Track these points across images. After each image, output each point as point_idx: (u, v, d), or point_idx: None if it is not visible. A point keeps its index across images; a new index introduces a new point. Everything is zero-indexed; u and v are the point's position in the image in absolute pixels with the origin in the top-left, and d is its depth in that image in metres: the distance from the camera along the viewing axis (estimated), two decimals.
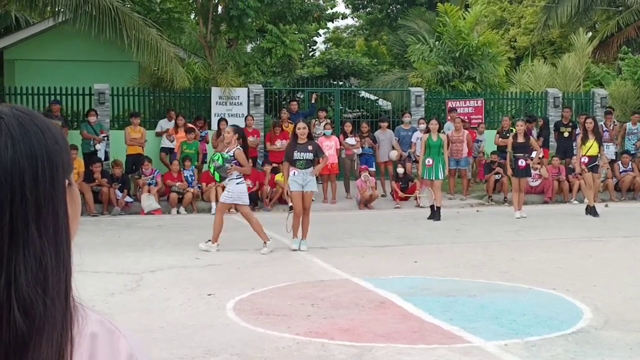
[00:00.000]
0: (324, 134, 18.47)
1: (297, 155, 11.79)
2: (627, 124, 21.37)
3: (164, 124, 19.10)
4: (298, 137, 11.93)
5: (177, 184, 17.08)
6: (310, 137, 12.27)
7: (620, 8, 31.99)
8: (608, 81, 26.47)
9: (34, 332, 1.10)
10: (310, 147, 11.88)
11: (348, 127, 19.23)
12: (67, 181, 1.20)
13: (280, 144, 18.44)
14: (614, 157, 20.05)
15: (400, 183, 18.36)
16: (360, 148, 18.91)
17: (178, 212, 16.84)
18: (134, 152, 18.16)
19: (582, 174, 16.75)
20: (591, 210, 16.08)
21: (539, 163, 18.25)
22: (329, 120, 19.67)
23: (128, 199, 16.92)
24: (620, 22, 30.75)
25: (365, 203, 17.72)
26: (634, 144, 20.86)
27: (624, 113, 23.61)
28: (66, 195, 1.19)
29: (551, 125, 21.38)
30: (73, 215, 1.22)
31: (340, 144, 18.66)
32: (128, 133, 18.20)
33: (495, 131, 20.42)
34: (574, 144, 19.07)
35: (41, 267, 1.12)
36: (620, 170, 19.68)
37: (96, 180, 16.70)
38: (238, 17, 21.10)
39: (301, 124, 12.23)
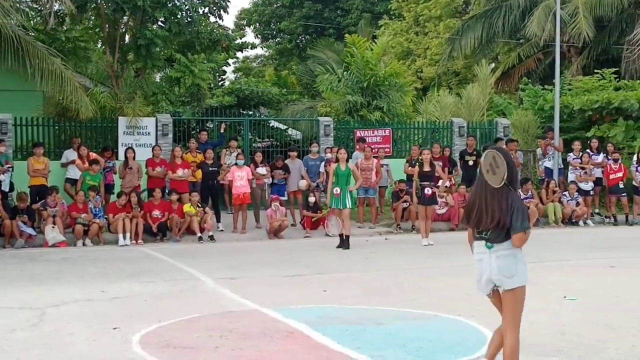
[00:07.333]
0: (236, 164, 18.41)
1: None
2: (538, 150, 22.17)
3: (69, 155, 18.67)
4: None
5: (83, 215, 16.71)
6: None
7: (520, 41, 33.18)
8: (510, 111, 27.29)
9: None
10: None
11: (258, 156, 19.18)
12: None
13: (182, 172, 18.28)
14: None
15: (310, 212, 18.44)
16: (271, 178, 18.89)
17: (84, 244, 16.47)
18: (37, 184, 17.62)
19: None
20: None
21: (445, 191, 18.59)
22: (240, 150, 19.61)
23: (32, 231, 16.44)
24: (521, 54, 31.87)
25: (275, 232, 17.70)
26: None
27: (526, 142, 24.38)
28: None
29: (456, 154, 21.91)
30: None
31: (252, 174, 18.58)
32: (31, 164, 17.69)
33: (403, 160, 20.76)
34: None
35: None
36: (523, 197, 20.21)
37: None
38: (146, 46, 20.88)
39: None
